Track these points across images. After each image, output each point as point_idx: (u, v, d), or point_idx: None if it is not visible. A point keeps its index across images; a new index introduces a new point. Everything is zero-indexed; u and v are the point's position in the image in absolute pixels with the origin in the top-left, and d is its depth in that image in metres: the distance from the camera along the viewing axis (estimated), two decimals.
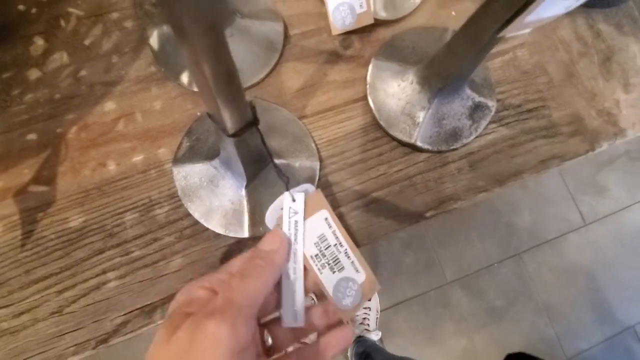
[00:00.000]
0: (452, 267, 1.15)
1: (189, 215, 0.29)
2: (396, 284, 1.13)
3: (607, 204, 1.25)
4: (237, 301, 0.16)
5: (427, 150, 0.31)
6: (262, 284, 0.17)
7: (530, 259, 1.18)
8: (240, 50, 0.31)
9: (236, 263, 0.19)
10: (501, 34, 0.22)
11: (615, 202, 1.25)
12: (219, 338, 0.15)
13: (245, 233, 0.28)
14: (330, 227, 0.23)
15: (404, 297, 1.13)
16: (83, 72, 0.32)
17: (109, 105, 0.31)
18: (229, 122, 0.17)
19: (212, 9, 0.11)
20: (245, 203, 0.28)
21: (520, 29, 0.22)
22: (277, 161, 0.28)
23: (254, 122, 0.19)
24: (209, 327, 0.15)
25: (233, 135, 0.19)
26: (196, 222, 0.29)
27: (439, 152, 0.31)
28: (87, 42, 0.32)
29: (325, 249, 0.22)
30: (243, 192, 0.27)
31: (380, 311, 1.08)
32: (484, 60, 0.26)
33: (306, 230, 0.22)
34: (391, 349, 1.04)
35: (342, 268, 0.22)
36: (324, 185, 0.30)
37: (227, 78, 0.14)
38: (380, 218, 0.30)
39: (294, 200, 0.24)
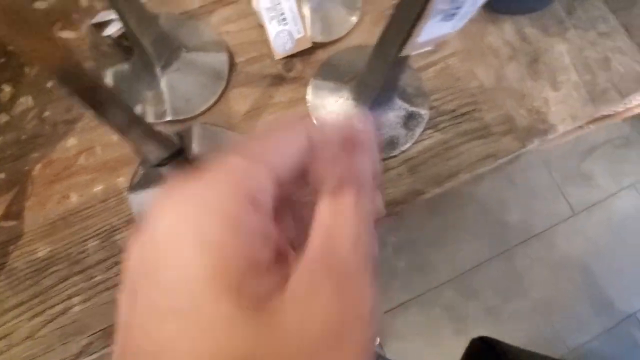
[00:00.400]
0: (446, 268, 1.16)
1: None
2: (392, 288, 1.14)
3: (594, 192, 1.26)
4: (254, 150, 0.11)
5: None
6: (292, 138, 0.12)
7: (523, 254, 1.19)
8: (187, 82, 0.33)
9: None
10: (404, 53, 0.24)
11: (603, 191, 1.26)
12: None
13: None
14: None
15: (400, 301, 1.13)
16: (47, 113, 0.35)
17: (71, 142, 0.34)
18: (149, 155, 0.20)
19: (84, 75, 0.13)
20: None
21: (420, 48, 0.24)
22: None
23: (180, 151, 0.22)
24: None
25: (158, 165, 0.21)
26: None
27: (380, 159, 0.33)
28: (49, 85, 0.35)
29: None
30: None
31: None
32: (404, 73, 0.28)
33: None
34: (391, 353, 1.04)
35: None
36: None
37: (127, 123, 0.16)
38: None
39: None
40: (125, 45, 0.33)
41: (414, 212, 1.19)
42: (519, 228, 1.21)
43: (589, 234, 1.22)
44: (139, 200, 0.31)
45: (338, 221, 0.11)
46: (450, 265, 1.16)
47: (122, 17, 0.27)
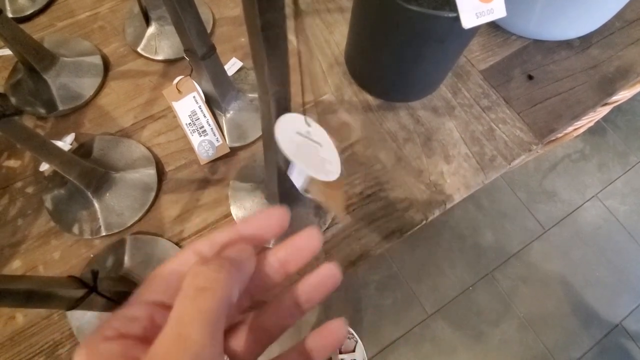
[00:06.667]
0: (430, 299, 1.17)
1: None
2: (380, 328, 1.14)
3: (560, 207, 1.31)
4: (194, 340, 0.11)
5: None
6: (226, 294, 0.13)
7: (503, 275, 1.21)
8: (119, 199, 0.37)
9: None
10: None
11: (568, 205, 1.31)
12: None
13: None
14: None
15: (390, 340, 1.13)
16: None
17: (16, 264, 0.37)
18: (58, 304, 0.23)
19: None
20: None
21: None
22: None
23: (93, 289, 0.25)
24: None
25: (71, 309, 0.24)
26: None
27: None
28: None
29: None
30: None
31: (369, 359, 1.08)
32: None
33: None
34: None
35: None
36: None
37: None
38: None
39: None
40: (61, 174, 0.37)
41: (391, 247, 1.22)
42: (495, 250, 1.25)
43: (563, 249, 1.26)
44: (77, 315, 0.34)
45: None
46: (434, 297, 1.18)
47: (49, 162, 0.31)
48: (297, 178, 0.26)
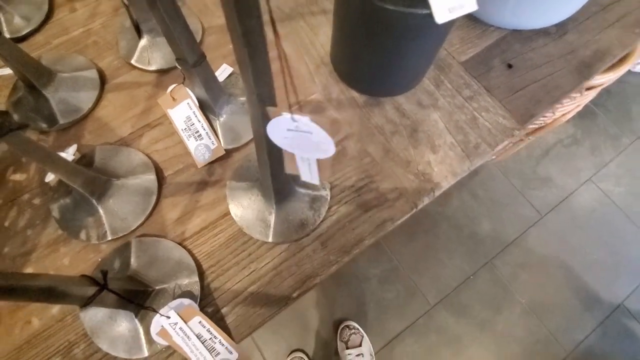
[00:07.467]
0: (432, 290, 1.19)
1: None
2: (384, 321, 1.15)
3: (555, 192, 1.33)
4: None
5: (283, 243, 0.39)
6: None
7: (502, 263, 1.23)
8: (122, 204, 0.39)
9: None
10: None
11: (563, 189, 1.33)
12: None
13: (145, 353, 0.34)
14: (204, 327, 0.32)
15: (395, 333, 1.15)
16: (6, 249, 0.40)
17: (28, 271, 0.39)
18: (76, 299, 0.25)
19: None
20: (139, 328, 0.35)
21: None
22: (159, 287, 0.36)
23: (104, 286, 0.27)
24: None
25: (84, 306, 0.26)
26: (107, 353, 0.35)
27: (295, 240, 0.39)
28: (6, 223, 0.41)
29: (203, 343, 0.32)
30: (136, 320, 0.34)
31: (375, 353, 1.10)
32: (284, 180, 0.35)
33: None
34: None
35: (218, 353, 0.32)
36: (207, 293, 0.38)
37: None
38: (256, 308, 0.37)
39: (168, 317, 0.32)
40: (66, 183, 0.39)
41: (389, 240, 1.23)
42: (492, 239, 1.26)
43: (561, 233, 1.27)
44: (89, 316, 0.36)
45: None
46: (436, 288, 1.19)
47: (54, 173, 0.33)
48: (302, 167, 0.28)
